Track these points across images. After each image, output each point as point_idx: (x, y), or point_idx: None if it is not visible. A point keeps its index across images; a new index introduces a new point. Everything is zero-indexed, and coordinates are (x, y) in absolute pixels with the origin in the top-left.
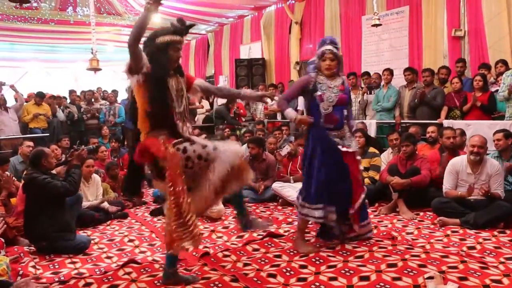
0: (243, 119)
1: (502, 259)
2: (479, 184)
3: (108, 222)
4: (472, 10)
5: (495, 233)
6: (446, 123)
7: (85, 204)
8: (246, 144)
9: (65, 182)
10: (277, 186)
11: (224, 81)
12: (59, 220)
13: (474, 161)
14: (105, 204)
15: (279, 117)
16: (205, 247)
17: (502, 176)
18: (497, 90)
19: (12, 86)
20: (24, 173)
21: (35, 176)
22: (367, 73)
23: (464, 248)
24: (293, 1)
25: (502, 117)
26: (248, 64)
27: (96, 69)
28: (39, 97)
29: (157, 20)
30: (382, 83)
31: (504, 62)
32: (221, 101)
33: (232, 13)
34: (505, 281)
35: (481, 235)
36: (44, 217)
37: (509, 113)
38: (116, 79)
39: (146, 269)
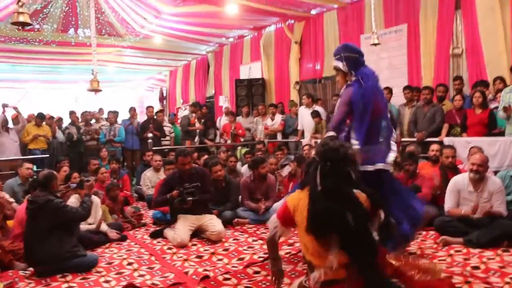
0: (242, 139)
1: (507, 279)
2: (482, 202)
3: (107, 245)
4: (469, 27)
5: (499, 252)
6: (446, 140)
7: (83, 227)
8: (247, 165)
9: (80, 208)
10: (278, 206)
11: (224, 101)
12: (69, 241)
13: (475, 179)
14: (104, 227)
15: (279, 137)
16: (205, 270)
17: (504, 193)
18: (496, 107)
19: (15, 108)
20: (34, 194)
21: (51, 199)
22: None
23: (468, 268)
24: (293, 21)
25: (502, 134)
26: (248, 84)
27: (96, 90)
28: (39, 118)
29: (158, 41)
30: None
31: (501, 79)
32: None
33: (232, 33)
34: None
35: (485, 254)
36: (54, 240)
37: (509, 130)
38: (116, 100)
39: None
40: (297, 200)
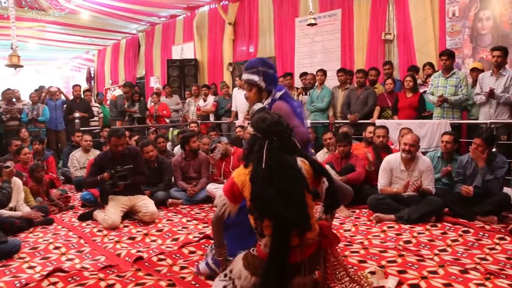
0: (167, 120)
1: (436, 251)
2: (412, 181)
3: (31, 230)
4: (401, 15)
5: (428, 226)
6: (378, 122)
7: (4, 212)
8: (179, 146)
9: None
10: (211, 187)
11: (155, 82)
12: None
13: (406, 158)
14: (25, 208)
15: (211, 118)
16: (138, 251)
17: (433, 172)
18: (426, 91)
19: None
20: None
21: None
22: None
23: (401, 243)
24: (227, 2)
25: (431, 116)
26: (180, 65)
27: (16, 66)
28: None
29: (85, 17)
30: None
31: (431, 65)
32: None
33: (164, 13)
34: (441, 271)
35: (416, 229)
36: None
37: (436, 113)
38: (39, 79)
39: (74, 277)
40: (243, 175)
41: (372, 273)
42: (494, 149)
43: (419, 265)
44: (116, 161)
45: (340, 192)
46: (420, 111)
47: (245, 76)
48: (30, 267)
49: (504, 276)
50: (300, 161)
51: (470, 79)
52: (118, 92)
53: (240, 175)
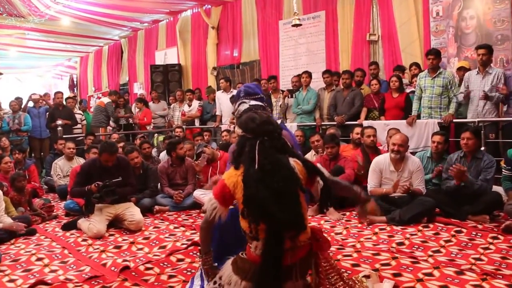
0: (148, 127)
1: (430, 252)
2: (402, 181)
3: (12, 241)
4: (385, 15)
5: (420, 227)
6: (365, 123)
7: None
8: (165, 152)
9: None
10: (198, 193)
11: (139, 88)
12: None
13: (396, 158)
14: (7, 220)
15: (197, 123)
16: (125, 260)
17: (423, 172)
18: (412, 91)
19: None
20: None
21: None
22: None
23: (394, 245)
24: (210, 6)
25: (418, 117)
26: (164, 70)
27: None
28: None
29: (66, 23)
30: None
31: (417, 65)
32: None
33: (147, 18)
34: (436, 273)
35: (408, 230)
36: None
37: (424, 113)
38: (20, 88)
39: None
40: (235, 177)
41: (367, 277)
42: (482, 148)
43: (413, 267)
44: (105, 170)
45: (337, 187)
46: (407, 111)
47: (252, 102)
48: (11, 280)
49: (500, 277)
50: (293, 161)
51: (456, 78)
52: (107, 99)
53: (231, 176)
